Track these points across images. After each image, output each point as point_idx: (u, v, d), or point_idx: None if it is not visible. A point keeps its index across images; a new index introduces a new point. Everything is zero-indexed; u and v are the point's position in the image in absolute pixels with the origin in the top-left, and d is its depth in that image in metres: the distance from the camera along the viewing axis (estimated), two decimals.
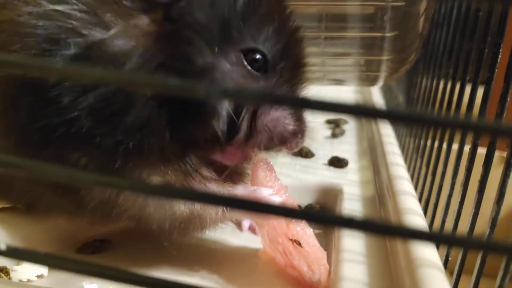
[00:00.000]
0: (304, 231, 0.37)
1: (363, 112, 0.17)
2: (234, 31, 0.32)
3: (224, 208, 0.36)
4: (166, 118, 0.31)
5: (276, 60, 0.34)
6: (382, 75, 0.53)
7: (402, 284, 0.32)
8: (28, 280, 0.37)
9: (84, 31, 0.30)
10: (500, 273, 0.29)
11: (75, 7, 0.30)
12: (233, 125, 0.33)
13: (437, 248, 0.34)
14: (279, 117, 0.35)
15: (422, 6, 0.45)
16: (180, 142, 0.33)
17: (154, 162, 0.32)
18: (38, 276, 0.37)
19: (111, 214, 0.34)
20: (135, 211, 0.34)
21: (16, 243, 0.40)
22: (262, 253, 0.39)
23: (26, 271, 0.37)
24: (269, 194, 0.36)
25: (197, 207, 0.35)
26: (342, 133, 0.66)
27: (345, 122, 0.69)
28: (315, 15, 0.47)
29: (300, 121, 0.36)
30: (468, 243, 0.18)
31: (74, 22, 0.30)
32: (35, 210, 0.42)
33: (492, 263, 0.32)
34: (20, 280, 0.36)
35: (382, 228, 0.18)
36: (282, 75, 0.35)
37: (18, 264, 0.38)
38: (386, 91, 0.79)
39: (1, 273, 0.37)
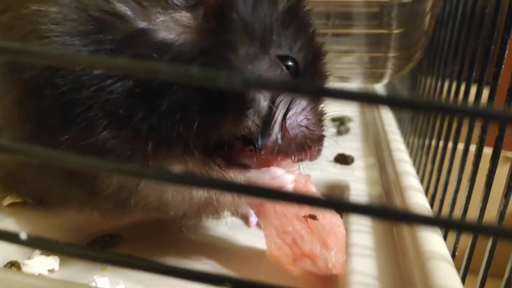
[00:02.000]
0: None
1: (380, 100, 0.18)
2: (274, 35, 0.34)
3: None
4: (198, 106, 0.32)
5: (306, 69, 0.36)
6: (388, 72, 0.54)
7: (411, 277, 0.32)
8: (40, 274, 0.37)
9: (129, 19, 0.31)
10: (509, 265, 0.29)
11: None
12: (267, 126, 0.34)
13: (445, 238, 0.34)
14: (309, 119, 0.37)
15: (429, 4, 0.45)
16: (207, 138, 0.34)
17: (178, 153, 0.33)
18: (49, 270, 0.38)
19: (128, 202, 0.34)
20: (153, 198, 0.34)
21: None
22: (269, 255, 0.40)
23: (37, 265, 0.38)
24: (282, 173, 0.37)
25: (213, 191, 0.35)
26: (347, 130, 0.66)
27: (350, 120, 0.70)
28: (322, 12, 0.47)
29: (322, 129, 0.39)
30: (478, 229, 0.18)
31: (120, 9, 0.31)
32: (45, 205, 0.42)
33: (499, 263, 0.33)
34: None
35: (400, 214, 0.19)
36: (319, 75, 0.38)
37: (29, 258, 0.38)
38: (390, 89, 0.79)
39: (13, 267, 0.37)
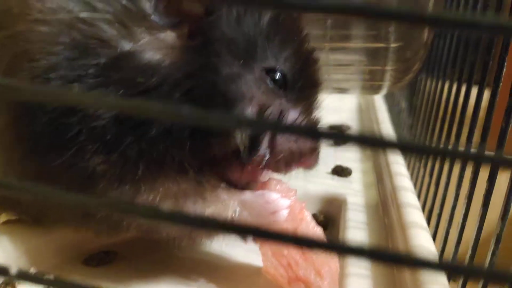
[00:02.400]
0: (313, 231, 0.37)
1: (373, 142, 0.17)
2: (258, 48, 0.33)
3: (233, 215, 0.36)
4: (188, 130, 0.32)
5: (294, 79, 0.35)
6: (386, 84, 0.54)
7: None
8: None
9: (113, 43, 0.31)
10: None
11: (106, 16, 0.31)
12: (255, 142, 0.34)
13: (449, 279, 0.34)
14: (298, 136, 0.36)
15: (424, 26, 0.45)
16: (198, 157, 0.34)
17: (171, 174, 0.33)
18: None
19: (120, 224, 0.34)
20: (146, 221, 0.34)
21: (22, 254, 0.40)
22: (265, 272, 0.39)
23: (32, 285, 0.37)
24: (277, 197, 0.37)
25: (208, 213, 0.35)
26: None
27: (348, 128, 0.69)
28: (320, 35, 0.47)
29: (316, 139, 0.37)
30: (487, 275, 0.18)
31: (103, 33, 0.30)
32: (40, 222, 0.42)
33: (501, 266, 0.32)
34: None
35: (392, 258, 0.18)
36: (299, 93, 0.36)
37: None
38: (389, 98, 0.79)
39: (8, 287, 0.37)
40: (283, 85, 0.35)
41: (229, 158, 0.35)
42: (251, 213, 0.36)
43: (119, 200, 0.19)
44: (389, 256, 0.18)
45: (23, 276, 0.22)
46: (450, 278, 0.35)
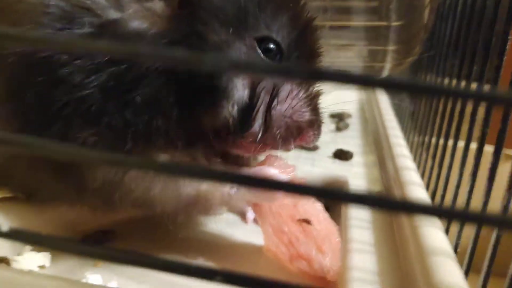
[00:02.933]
0: (313, 206, 0.36)
1: (375, 82, 0.17)
2: (249, 17, 0.32)
3: (230, 191, 0.35)
4: (174, 98, 0.31)
5: (290, 49, 0.34)
6: (387, 66, 0.53)
7: (412, 273, 0.31)
8: (30, 271, 0.36)
9: (99, 11, 0.30)
10: None
11: None
12: (247, 117, 0.32)
13: (447, 232, 0.33)
14: (295, 106, 0.34)
15: None
16: (187, 128, 0.32)
17: (161, 145, 0.32)
18: (40, 267, 0.37)
19: (113, 197, 0.33)
20: (140, 193, 0.33)
21: None
22: (266, 250, 0.39)
23: (27, 261, 0.37)
24: (275, 173, 0.36)
25: (203, 188, 0.34)
26: (346, 126, 0.65)
27: (349, 116, 0.69)
28: (320, 6, 0.46)
29: (316, 112, 0.35)
30: (481, 219, 0.17)
31: (89, 2, 0.30)
32: (36, 200, 0.41)
33: (502, 261, 0.32)
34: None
35: (397, 204, 0.18)
36: (310, 56, 0.35)
37: (19, 255, 0.37)
38: None
39: (1, 264, 0.36)
40: (278, 56, 0.33)
41: (221, 132, 0.33)
42: (249, 189, 0.35)
43: (112, 153, 0.18)
44: (390, 202, 0.18)
45: (15, 234, 0.21)
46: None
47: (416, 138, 0.59)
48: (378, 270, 0.33)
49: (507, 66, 0.37)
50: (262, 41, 0.33)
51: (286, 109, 0.34)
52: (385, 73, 0.56)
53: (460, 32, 0.49)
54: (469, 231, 0.37)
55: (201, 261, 0.39)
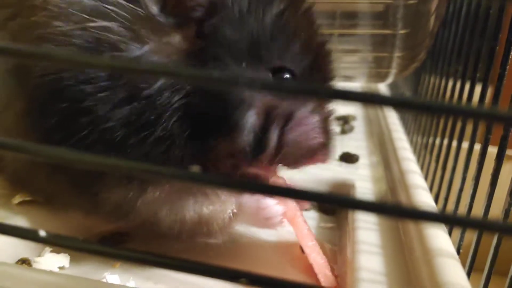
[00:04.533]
0: (305, 234, 0.38)
1: (396, 103, 0.18)
2: (262, 49, 0.33)
3: (231, 216, 0.37)
4: (190, 130, 0.33)
5: (304, 75, 0.35)
6: (393, 72, 0.54)
7: (418, 273, 0.33)
8: (50, 271, 0.38)
9: (121, 45, 0.31)
10: None
11: (114, 21, 0.31)
12: (261, 140, 0.34)
13: (450, 235, 0.35)
14: (307, 131, 0.35)
15: (434, 5, 0.46)
16: (202, 156, 0.34)
17: None
18: (60, 268, 0.38)
19: (126, 217, 0.35)
20: (149, 215, 0.35)
21: None
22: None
23: (48, 262, 0.38)
24: (272, 204, 0.37)
25: (206, 212, 0.36)
26: (351, 129, 0.67)
27: (354, 118, 0.70)
28: (328, 12, 0.48)
29: (327, 135, 0.37)
30: (482, 225, 0.18)
31: (112, 36, 0.31)
32: (53, 204, 0.42)
33: (504, 260, 0.33)
34: None
35: (406, 211, 0.19)
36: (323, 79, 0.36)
37: (40, 256, 0.39)
38: (393, 88, 0.80)
39: (23, 265, 0.38)
40: None
41: (234, 158, 0.35)
42: (246, 217, 0.36)
43: (137, 162, 0.19)
44: (397, 210, 0.19)
45: (51, 240, 0.23)
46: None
47: (419, 140, 0.61)
48: (385, 270, 0.34)
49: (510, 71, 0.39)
50: (276, 72, 0.34)
51: (299, 133, 0.35)
52: (390, 78, 0.58)
53: (464, 37, 0.50)
54: (472, 233, 0.38)
55: (217, 261, 0.40)
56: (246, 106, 0.33)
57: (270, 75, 0.34)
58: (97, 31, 0.31)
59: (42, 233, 0.22)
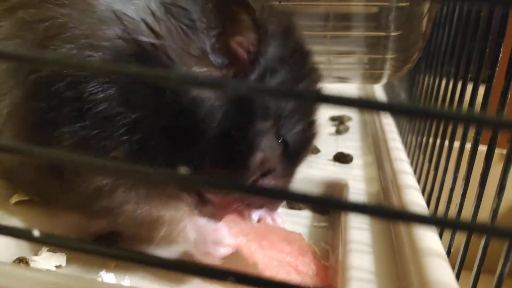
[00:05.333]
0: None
1: (377, 106, 0.19)
2: (282, 120, 0.38)
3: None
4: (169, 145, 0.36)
5: (295, 150, 0.41)
6: (386, 73, 0.55)
7: (407, 272, 0.33)
8: (47, 270, 0.38)
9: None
10: (501, 261, 0.31)
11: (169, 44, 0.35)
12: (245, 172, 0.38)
13: (441, 236, 0.35)
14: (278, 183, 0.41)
15: (426, 7, 0.46)
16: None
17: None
18: (56, 267, 0.39)
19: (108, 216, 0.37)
20: (114, 206, 0.37)
21: None
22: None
23: (45, 261, 0.39)
24: (225, 230, 0.37)
25: (162, 222, 0.37)
26: (346, 129, 0.67)
27: (349, 119, 0.71)
28: (321, 14, 0.48)
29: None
30: (471, 228, 0.19)
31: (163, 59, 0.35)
32: (49, 204, 0.43)
33: (492, 259, 0.34)
34: None
35: (397, 213, 0.20)
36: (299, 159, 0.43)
37: (37, 255, 0.39)
38: (388, 89, 0.81)
39: (21, 264, 0.38)
40: (287, 154, 0.40)
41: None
42: (197, 236, 0.37)
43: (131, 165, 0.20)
44: (388, 212, 0.20)
45: (44, 239, 0.23)
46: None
47: (413, 141, 0.61)
48: (376, 269, 0.35)
49: (501, 66, 0.39)
50: (283, 141, 0.40)
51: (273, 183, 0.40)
52: (384, 80, 0.58)
53: (456, 38, 0.51)
54: (462, 234, 0.39)
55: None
56: (255, 157, 0.38)
57: (279, 141, 0.39)
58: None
59: (36, 232, 0.23)
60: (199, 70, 0.35)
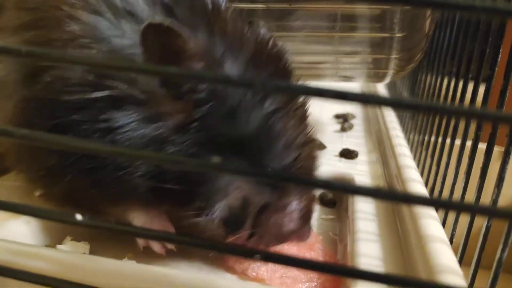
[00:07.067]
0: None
1: (385, 102, 0.21)
2: (246, 146, 0.34)
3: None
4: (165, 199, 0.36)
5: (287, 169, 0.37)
6: (390, 72, 0.57)
7: (413, 258, 0.35)
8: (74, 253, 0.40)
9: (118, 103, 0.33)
10: (500, 246, 0.33)
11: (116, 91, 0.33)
12: (237, 221, 0.35)
13: (443, 225, 0.37)
14: (285, 218, 0.37)
15: (429, 9, 0.48)
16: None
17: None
18: None
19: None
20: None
21: (57, 224, 0.43)
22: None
23: (69, 249, 0.41)
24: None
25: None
26: (351, 127, 0.69)
27: (353, 116, 0.73)
28: (329, 16, 0.51)
29: (304, 221, 0.38)
30: (474, 208, 0.21)
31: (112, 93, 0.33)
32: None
33: (492, 259, 0.36)
34: None
35: (401, 196, 0.22)
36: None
37: (61, 244, 0.41)
38: (391, 87, 0.83)
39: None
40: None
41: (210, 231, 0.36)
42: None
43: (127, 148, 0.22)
44: (394, 195, 0.22)
45: (86, 222, 0.25)
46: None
47: (416, 138, 0.64)
48: (383, 256, 0.37)
49: (500, 69, 0.41)
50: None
51: (276, 219, 0.36)
52: (388, 79, 0.60)
53: (457, 39, 0.53)
54: (463, 225, 0.41)
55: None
56: (225, 194, 0.34)
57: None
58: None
59: (79, 216, 0.25)
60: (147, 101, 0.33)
